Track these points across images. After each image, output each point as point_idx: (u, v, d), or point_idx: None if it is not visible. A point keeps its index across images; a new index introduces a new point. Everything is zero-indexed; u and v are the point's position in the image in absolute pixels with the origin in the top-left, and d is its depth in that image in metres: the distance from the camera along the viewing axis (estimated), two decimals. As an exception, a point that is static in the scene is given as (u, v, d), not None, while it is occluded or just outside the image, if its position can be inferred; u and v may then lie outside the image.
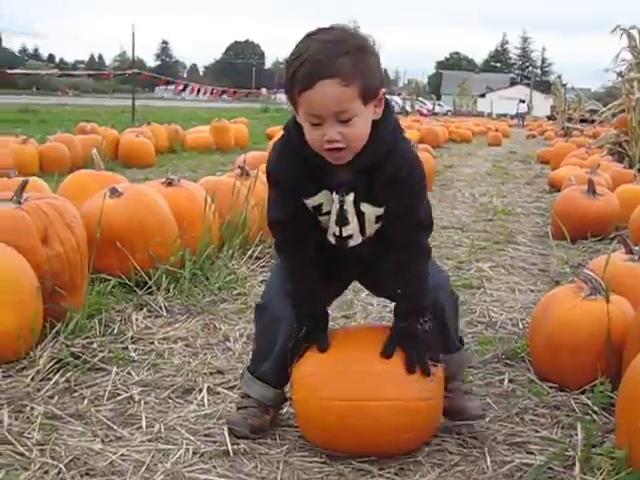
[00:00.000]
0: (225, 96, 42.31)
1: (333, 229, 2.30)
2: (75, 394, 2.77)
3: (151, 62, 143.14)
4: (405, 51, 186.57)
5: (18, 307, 2.89)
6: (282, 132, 2.28)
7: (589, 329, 2.84)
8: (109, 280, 3.87)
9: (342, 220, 2.27)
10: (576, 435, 2.42)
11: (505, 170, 13.65)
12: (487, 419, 2.64)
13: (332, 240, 2.33)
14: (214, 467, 2.29)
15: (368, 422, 2.27)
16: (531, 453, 2.40)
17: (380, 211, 2.27)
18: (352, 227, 2.28)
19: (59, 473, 2.19)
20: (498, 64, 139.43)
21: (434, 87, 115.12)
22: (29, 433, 2.42)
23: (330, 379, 2.33)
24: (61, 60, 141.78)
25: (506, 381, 3.01)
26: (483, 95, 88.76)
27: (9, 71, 28.39)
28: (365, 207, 2.25)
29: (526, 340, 3.30)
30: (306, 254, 2.34)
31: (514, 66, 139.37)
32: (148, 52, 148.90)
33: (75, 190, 4.72)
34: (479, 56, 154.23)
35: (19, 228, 3.16)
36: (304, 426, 2.44)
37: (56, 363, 2.93)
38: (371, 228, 2.32)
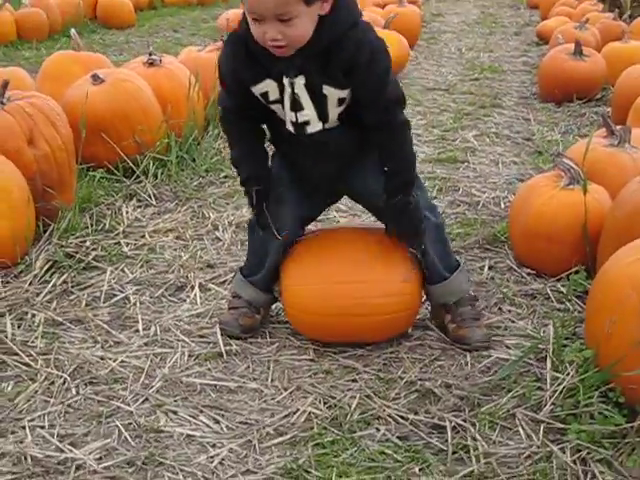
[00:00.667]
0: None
1: (289, 116, 2.31)
2: (72, 297, 2.88)
3: None
4: None
5: (11, 213, 2.95)
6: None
7: (566, 219, 2.92)
8: (97, 169, 3.91)
9: (295, 105, 2.27)
10: (551, 327, 2.56)
11: (493, 18, 13.34)
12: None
13: (291, 128, 2.33)
14: (209, 370, 2.43)
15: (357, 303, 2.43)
16: (508, 347, 2.55)
17: (343, 94, 2.25)
18: (307, 112, 2.28)
19: (64, 383, 2.33)
20: None
21: None
22: (32, 342, 2.55)
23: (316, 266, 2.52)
24: None
25: (486, 268, 3.12)
26: None
27: None
28: (327, 89, 2.23)
29: (507, 224, 3.40)
30: (248, 127, 2.44)
31: None
32: None
33: (56, 74, 4.67)
34: None
35: (4, 130, 3.18)
36: (295, 318, 2.57)
37: (52, 265, 3.03)
38: (333, 112, 2.30)
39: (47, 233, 3.21)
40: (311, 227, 2.70)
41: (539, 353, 2.46)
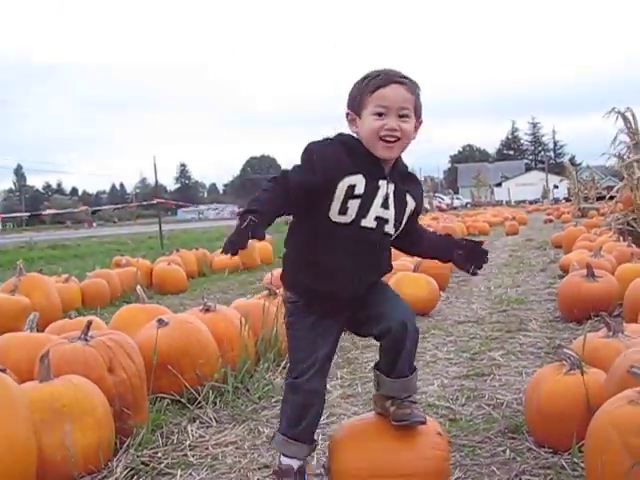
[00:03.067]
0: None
1: (376, 211, 2.79)
2: (149, 496, 3.34)
3: (171, 185, 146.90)
4: (419, 149, 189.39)
5: (97, 426, 3.49)
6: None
7: (571, 399, 3.39)
8: (164, 398, 4.47)
9: (385, 203, 2.81)
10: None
11: (521, 259, 14.20)
12: (491, 483, 3.18)
13: (371, 224, 2.81)
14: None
15: None
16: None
17: (413, 205, 2.94)
18: (390, 212, 2.83)
19: None
20: (511, 152, 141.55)
21: (450, 181, 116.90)
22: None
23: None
24: (84, 192, 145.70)
25: (508, 451, 3.55)
26: (499, 184, 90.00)
27: (45, 212, 29.63)
28: (409, 198, 2.90)
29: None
30: (287, 197, 2.67)
31: (527, 152, 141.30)
32: (168, 176, 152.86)
33: (126, 322, 5.36)
34: (491, 146, 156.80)
35: (89, 362, 3.80)
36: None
37: (130, 471, 3.52)
38: (403, 221, 2.92)
39: (124, 446, 3.72)
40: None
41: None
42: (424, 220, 27.12)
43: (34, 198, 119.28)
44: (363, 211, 2.78)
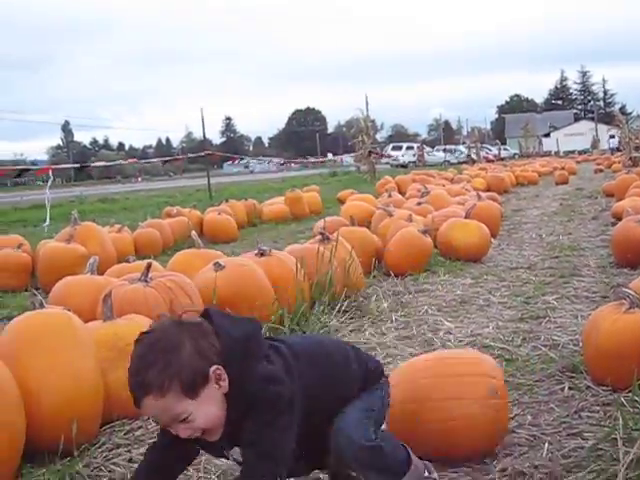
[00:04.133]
0: (292, 165, 43.70)
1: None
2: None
3: (217, 139, 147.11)
4: (465, 100, 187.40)
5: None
6: None
7: (630, 337, 3.38)
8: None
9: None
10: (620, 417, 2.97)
11: (572, 207, 14.05)
12: (551, 418, 3.21)
13: None
14: None
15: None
16: (586, 438, 2.96)
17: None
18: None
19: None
20: (559, 101, 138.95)
21: (497, 132, 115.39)
22: None
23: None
24: (130, 147, 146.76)
25: (566, 389, 3.56)
26: (547, 134, 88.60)
27: (95, 164, 30.02)
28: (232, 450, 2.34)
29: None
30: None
31: (576, 102, 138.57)
32: (213, 129, 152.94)
33: (182, 267, 5.44)
34: (539, 95, 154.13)
35: (150, 302, 3.88)
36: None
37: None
38: None
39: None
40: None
41: (614, 442, 2.85)
42: (472, 170, 26.94)
43: (82, 154, 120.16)
44: None
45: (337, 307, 5.44)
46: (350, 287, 5.70)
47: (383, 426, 2.64)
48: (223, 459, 2.56)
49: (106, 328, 3.64)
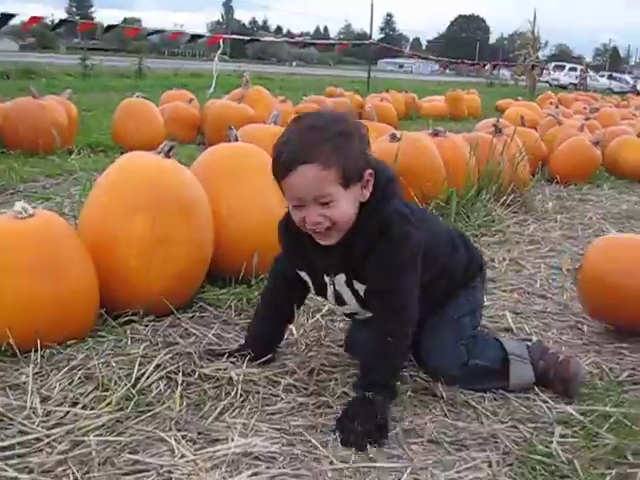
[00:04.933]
0: (448, 70, 42.72)
1: (336, 307, 2.48)
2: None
3: (375, 35, 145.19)
4: (636, 27, 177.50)
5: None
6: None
7: None
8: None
9: (340, 301, 2.37)
10: None
11: None
12: None
13: (343, 312, 2.52)
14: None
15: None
16: None
17: (363, 289, 2.30)
18: (352, 307, 2.37)
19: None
20: None
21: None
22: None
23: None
24: (288, 31, 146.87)
25: None
26: None
27: (264, 39, 30.29)
28: (357, 285, 2.29)
29: None
30: (278, 310, 2.56)
31: None
32: (373, 24, 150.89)
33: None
34: None
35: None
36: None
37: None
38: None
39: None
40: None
41: None
42: (638, 100, 25.69)
43: (240, 32, 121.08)
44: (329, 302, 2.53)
45: (502, 199, 5.40)
46: (517, 183, 5.64)
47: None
48: (320, 297, 2.58)
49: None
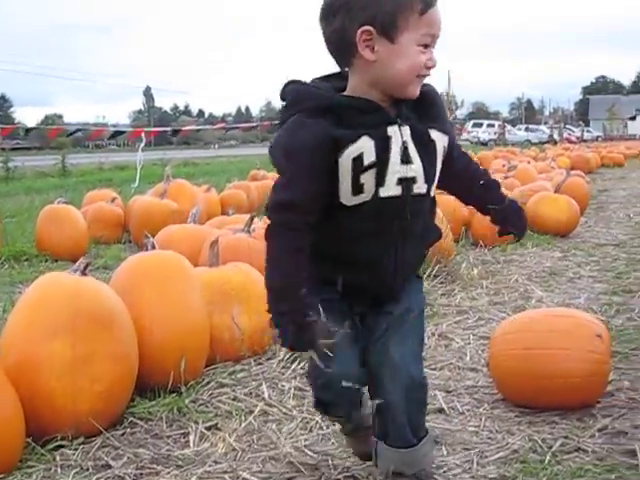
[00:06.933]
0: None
1: (396, 172, 2.04)
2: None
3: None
4: (549, 80, 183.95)
5: (263, 310, 3.66)
6: (286, 119, 2.07)
7: None
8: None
9: (406, 156, 2.06)
10: None
11: (660, 190, 13.79)
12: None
13: (394, 191, 2.05)
14: None
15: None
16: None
17: (445, 140, 2.15)
18: (416, 166, 2.07)
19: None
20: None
21: (581, 113, 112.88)
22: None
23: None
24: (210, 114, 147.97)
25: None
26: (634, 118, 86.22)
27: (185, 128, 30.46)
28: (436, 135, 2.12)
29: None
30: (303, 242, 2.03)
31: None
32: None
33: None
34: (626, 78, 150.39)
35: (252, 252, 4.00)
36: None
37: (292, 354, 3.70)
38: (438, 169, 2.16)
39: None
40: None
41: None
42: (555, 150, 26.52)
43: (162, 119, 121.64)
44: (380, 179, 2.04)
45: (428, 271, 5.48)
46: (442, 252, 5.73)
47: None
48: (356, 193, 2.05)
49: (212, 273, 3.77)
